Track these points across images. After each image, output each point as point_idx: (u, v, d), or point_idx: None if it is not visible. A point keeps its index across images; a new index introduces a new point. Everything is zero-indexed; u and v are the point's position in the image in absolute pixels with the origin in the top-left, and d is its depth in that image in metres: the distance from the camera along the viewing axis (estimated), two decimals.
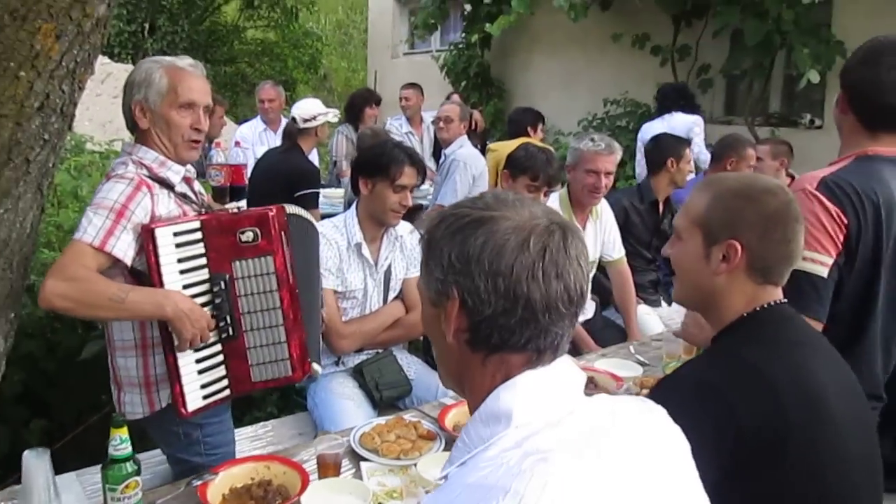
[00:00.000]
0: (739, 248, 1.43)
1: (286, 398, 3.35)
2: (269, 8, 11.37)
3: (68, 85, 1.78)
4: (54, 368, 3.00)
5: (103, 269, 1.82)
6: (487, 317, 0.96)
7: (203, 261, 1.95)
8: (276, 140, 5.76)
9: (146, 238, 1.85)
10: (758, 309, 1.46)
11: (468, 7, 9.36)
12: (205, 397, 1.94)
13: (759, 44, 6.30)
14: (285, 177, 4.26)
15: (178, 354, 1.89)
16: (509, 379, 0.98)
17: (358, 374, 2.72)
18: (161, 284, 1.86)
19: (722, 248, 1.44)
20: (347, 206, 4.43)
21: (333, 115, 4.51)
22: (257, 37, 12.35)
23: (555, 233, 0.96)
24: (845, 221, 1.79)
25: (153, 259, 1.85)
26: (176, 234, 1.89)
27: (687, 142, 4.16)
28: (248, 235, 1.94)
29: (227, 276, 1.94)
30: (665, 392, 1.41)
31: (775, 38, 6.22)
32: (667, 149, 3.89)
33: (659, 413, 1.08)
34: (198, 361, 1.94)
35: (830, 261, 1.79)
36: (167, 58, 2.07)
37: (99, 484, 2.18)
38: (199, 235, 1.94)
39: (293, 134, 4.49)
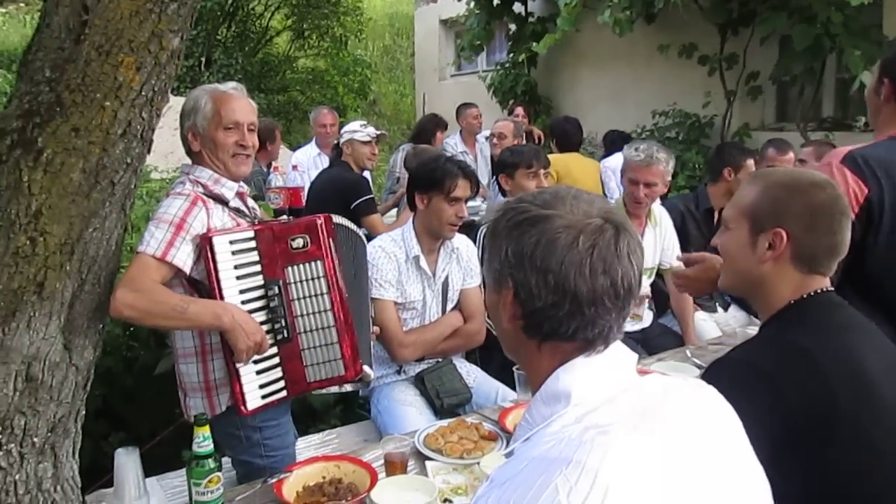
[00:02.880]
0: (785, 236, 1.47)
1: (349, 410, 3.44)
2: (318, 38, 11.71)
3: (147, 112, 1.92)
4: (131, 383, 3.16)
5: (166, 279, 1.96)
6: (538, 308, 1.03)
7: (258, 267, 2.07)
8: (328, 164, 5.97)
9: (204, 246, 1.99)
10: (805, 296, 1.50)
11: (513, 27, 9.49)
12: (263, 397, 2.05)
13: (808, 48, 6.25)
14: (337, 192, 4.45)
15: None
16: (566, 361, 1.05)
17: (419, 382, 2.80)
18: (219, 290, 1.98)
19: (768, 237, 1.50)
20: None
21: (362, 134, 4.69)
22: (308, 65, 12.70)
23: (606, 231, 1.02)
24: (865, 191, 1.89)
25: (211, 266, 1.98)
26: (232, 243, 2.03)
27: (749, 153, 4.08)
28: (298, 242, 2.07)
29: (281, 281, 2.06)
30: (714, 374, 1.45)
31: (825, 41, 6.16)
32: (726, 158, 3.88)
33: (710, 391, 1.13)
34: (255, 363, 2.06)
35: None
36: (212, 85, 2.24)
37: (176, 487, 2.34)
38: (252, 244, 2.07)
39: (340, 153, 4.79)
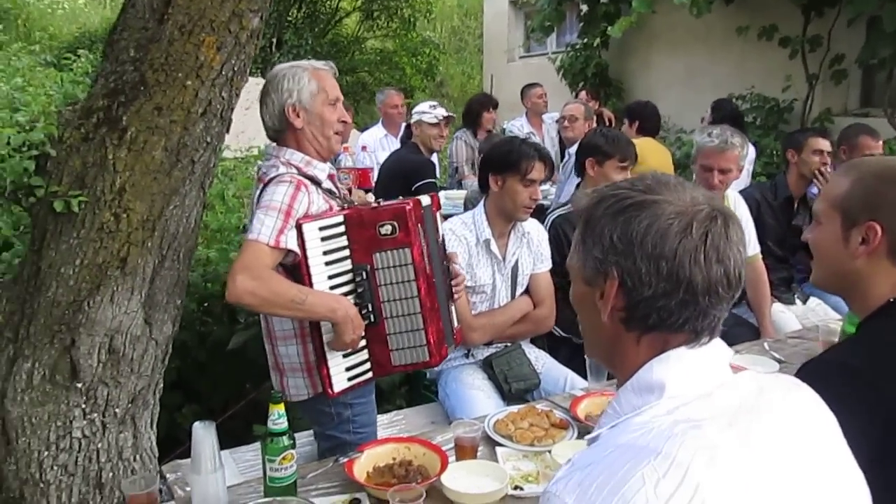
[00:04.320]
0: (879, 229, 1.39)
1: (414, 391, 3.46)
2: (387, 19, 11.72)
3: (227, 91, 1.94)
4: (204, 357, 3.23)
5: (276, 264, 1.97)
6: (646, 298, 0.98)
7: (346, 252, 2.07)
8: (395, 145, 5.97)
9: (296, 232, 1.99)
10: None
11: (584, 8, 9.30)
12: (349, 379, 2.06)
13: None
14: (402, 173, 4.48)
15: (325, 339, 2.02)
16: (662, 353, 1.01)
17: (487, 366, 2.78)
18: (309, 276, 1.99)
19: (861, 231, 1.41)
20: (466, 207, 4.57)
21: (430, 116, 4.66)
22: (376, 46, 12.75)
23: (717, 218, 0.98)
24: None
25: (302, 251, 1.99)
26: (321, 229, 2.02)
27: (809, 131, 4.16)
28: (386, 228, 2.05)
29: (368, 267, 2.06)
30: (808, 376, 1.38)
31: None
32: (786, 142, 3.86)
33: (807, 391, 1.08)
34: None
35: None
36: (304, 62, 2.21)
37: (249, 462, 2.39)
38: (342, 229, 2.06)
39: (410, 134, 4.86)
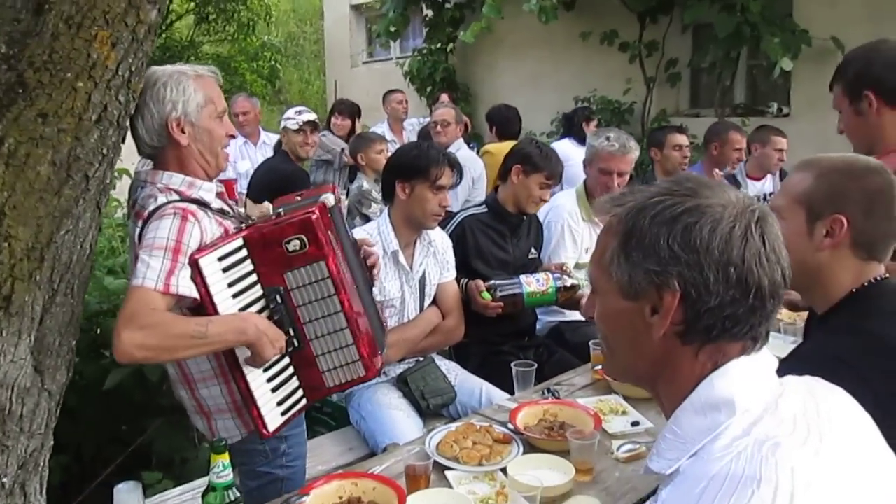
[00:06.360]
0: (845, 222, 1.43)
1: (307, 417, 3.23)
2: (224, 22, 11.15)
3: (124, 95, 1.67)
4: (74, 401, 2.84)
5: (170, 309, 1.71)
6: (712, 307, 0.91)
7: (254, 277, 1.83)
8: (255, 152, 5.65)
9: (192, 270, 1.73)
10: (866, 284, 1.46)
11: (430, 13, 9.34)
12: (283, 413, 1.85)
13: (728, 36, 6.42)
14: (274, 184, 4.24)
15: (249, 378, 1.80)
16: (719, 366, 0.94)
17: (402, 383, 2.65)
18: (216, 314, 1.76)
19: (826, 224, 1.45)
20: (349, 212, 4.43)
21: (293, 122, 4.51)
22: (212, 52, 12.10)
23: (767, 217, 0.95)
24: None
25: (203, 290, 1.73)
26: (221, 259, 1.77)
27: (668, 128, 4.61)
28: (294, 244, 1.83)
29: (282, 289, 1.84)
30: (795, 370, 1.39)
31: (745, 29, 6.35)
32: (648, 141, 4.27)
33: (841, 391, 1.06)
34: (269, 380, 1.84)
35: None
36: (184, 66, 1.95)
37: None
38: (244, 253, 1.82)
39: (280, 142, 4.69)
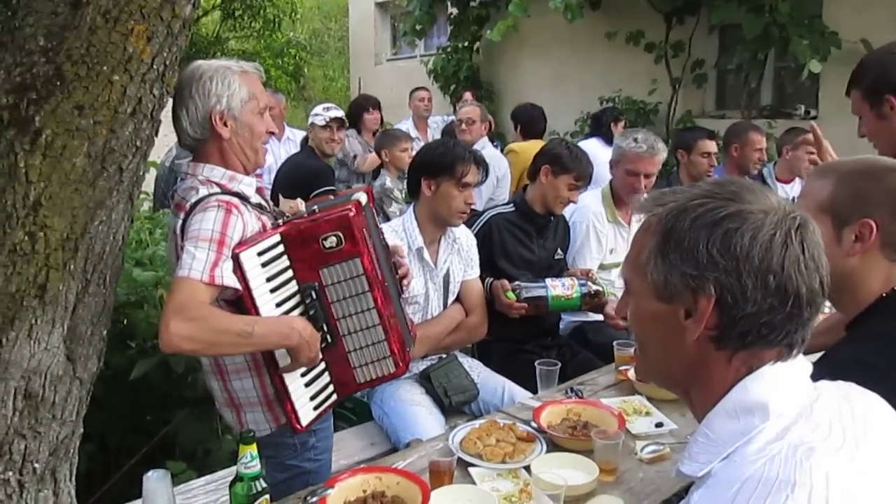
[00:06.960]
0: (874, 225, 1.41)
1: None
2: (250, 18, 11.24)
3: (158, 88, 1.69)
4: (101, 391, 2.87)
5: (214, 300, 1.74)
6: (748, 314, 0.91)
7: (290, 273, 1.86)
8: (278, 148, 5.68)
9: (233, 264, 1.76)
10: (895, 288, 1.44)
11: (455, 11, 9.34)
12: (315, 408, 1.87)
13: (756, 37, 6.36)
14: (300, 179, 4.29)
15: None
16: (753, 370, 0.94)
17: (425, 379, 2.66)
18: (255, 308, 1.78)
19: (854, 229, 1.42)
20: None
21: (320, 118, 4.52)
22: (239, 47, 12.19)
23: (808, 223, 0.94)
24: None
25: (243, 284, 1.76)
26: (260, 254, 1.80)
27: (697, 131, 4.45)
28: (331, 241, 1.85)
29: (317, 285, 1.86)
30: (825, 377, 1.37)
31: (773, 30, 6.28)
32: (676, 142, 4.14)
33: (875, 396, 1.05)
34: (303, 375, 1.87)
35: None
36: (230, 61, 1.98)
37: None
38: (281, 249, 1.84)
39: (307, 137, 4.71)
